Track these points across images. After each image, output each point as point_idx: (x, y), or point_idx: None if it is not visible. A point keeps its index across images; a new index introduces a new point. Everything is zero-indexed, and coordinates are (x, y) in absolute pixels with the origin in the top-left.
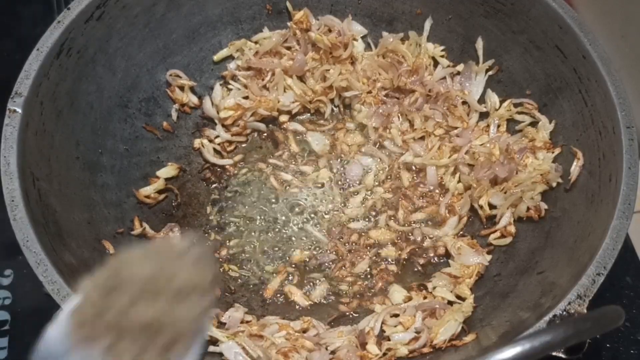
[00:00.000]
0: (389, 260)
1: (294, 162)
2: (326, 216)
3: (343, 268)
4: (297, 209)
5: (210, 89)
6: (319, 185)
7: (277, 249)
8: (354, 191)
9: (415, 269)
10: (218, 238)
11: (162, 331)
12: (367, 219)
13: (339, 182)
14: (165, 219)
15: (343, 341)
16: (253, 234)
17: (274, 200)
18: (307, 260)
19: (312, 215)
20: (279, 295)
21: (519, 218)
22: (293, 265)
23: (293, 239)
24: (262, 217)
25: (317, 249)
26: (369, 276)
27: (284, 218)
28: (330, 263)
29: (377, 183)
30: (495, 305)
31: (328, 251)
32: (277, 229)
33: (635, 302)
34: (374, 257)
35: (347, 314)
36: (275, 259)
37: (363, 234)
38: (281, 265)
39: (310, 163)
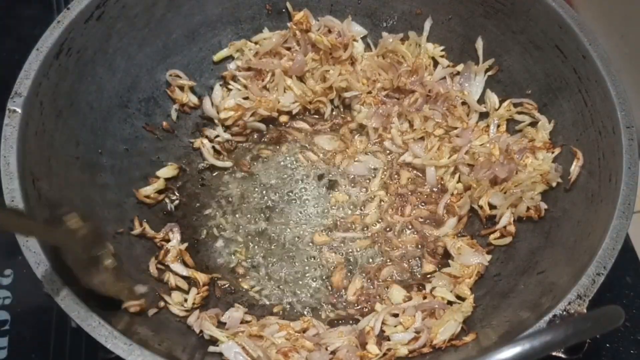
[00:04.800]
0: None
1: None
2: (345, 221)
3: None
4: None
5: (210, 89)
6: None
7: (282, 253)
8: (371, 197)
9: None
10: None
11: None
12: (386, 228)
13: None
14: (165, 219)
15: (343, 341)
16: (255, 240)
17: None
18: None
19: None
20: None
21: (519, 218)
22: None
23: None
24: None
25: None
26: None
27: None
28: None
29: (382, 186)
30: (495, 305)
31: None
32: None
33: (635, 302)
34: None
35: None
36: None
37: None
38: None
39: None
